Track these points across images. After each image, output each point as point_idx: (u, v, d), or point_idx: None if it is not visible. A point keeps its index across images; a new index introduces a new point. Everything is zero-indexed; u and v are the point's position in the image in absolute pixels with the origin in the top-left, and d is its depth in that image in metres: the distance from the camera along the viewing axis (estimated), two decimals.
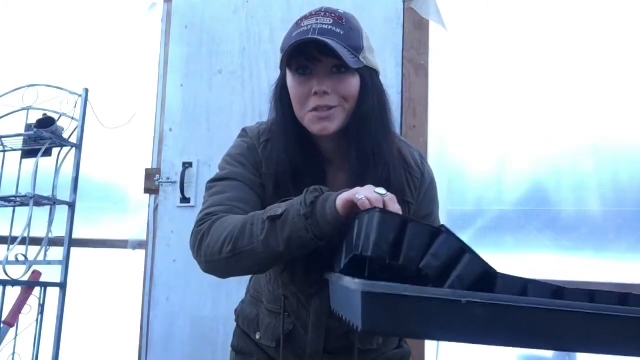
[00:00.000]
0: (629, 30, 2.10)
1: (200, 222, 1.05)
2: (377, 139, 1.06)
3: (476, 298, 0.67)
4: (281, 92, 1.09)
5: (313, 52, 1.01)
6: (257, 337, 1.19)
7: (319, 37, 0.98)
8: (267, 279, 1.19)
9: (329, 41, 0.98)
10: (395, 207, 0.85)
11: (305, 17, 1.05)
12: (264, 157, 1.12)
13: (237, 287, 2.27)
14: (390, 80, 2.23)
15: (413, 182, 1.14)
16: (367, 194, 0.85)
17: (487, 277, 0.71)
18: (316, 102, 1.02)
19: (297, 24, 1.05)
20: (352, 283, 0.71)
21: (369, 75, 1.07)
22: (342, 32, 1.01)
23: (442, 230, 0.74)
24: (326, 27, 1.01)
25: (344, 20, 1.04)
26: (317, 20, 1.03)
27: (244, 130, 1.19)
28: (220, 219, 1.02)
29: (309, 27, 1.02)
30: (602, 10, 2.12)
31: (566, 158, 2.12)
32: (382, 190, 0.86)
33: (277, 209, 0.94)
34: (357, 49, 1.03)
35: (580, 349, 0.71)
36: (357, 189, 0.87)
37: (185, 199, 2.40)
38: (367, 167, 1.05)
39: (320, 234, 0.90)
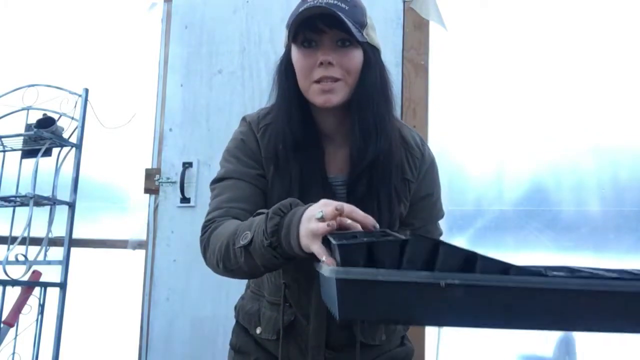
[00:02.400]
0: (629, 30, 2.10)
1: (202, 231, 1.09)
2: (379, 113, 1.08)
3: (455, 279, 0.65)
4: (286, 67, 1.11)
5: (319, 24, 1.02)
6: (258, 331, 1.18)
7: (327, 7, 1.00)
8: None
9: (335, 12, 1.00)
10: (358, 213, 0.84)
11: None
12: (262, 142, 1.14)
13: (237, 287, 2.26)
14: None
15: (413, 161, 1.16)
16: (318, 228, 0.82)
17: (467, 262, 0.69)
18: (321, 72, 1.04)
19: (303, 0, 1.07)
20: (327, 270, 0.69)
21: (372, 52, 1.09)
22: (347, 8, 1.03)
23: (410, 236, 0.72)
24: (332, 1, 1.03)
25: None
26: None
27: (243, 118, 1.21)
28: (216, 229, 1.06)
29: (315, 2, 1.03)
30: (602, 10, 2.13)
31: (566, 158, 2.12)
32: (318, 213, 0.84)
33: (247, 233, 0.95)
34: (361, 24, 1.05)
35: (564, 327, 0.70)
36: (311, 230, 0.83)
37: (185, 199, 2.40)
38: (369, 140, 1.07)
39: (292, 258, 0.92)
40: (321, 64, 1.04)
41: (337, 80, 1.05)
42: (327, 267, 0.70)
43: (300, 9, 1.04)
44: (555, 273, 0.75)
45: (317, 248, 0.82)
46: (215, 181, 1.15)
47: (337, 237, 0.78)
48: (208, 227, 1.08)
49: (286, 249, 0.89)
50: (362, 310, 0.67)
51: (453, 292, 0.65)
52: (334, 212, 0.82)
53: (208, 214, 1.11)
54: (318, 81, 1.05)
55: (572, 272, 0.78)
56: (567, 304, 0.66)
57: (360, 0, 1.10)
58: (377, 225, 0.84)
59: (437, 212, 1.23)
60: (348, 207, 0.84)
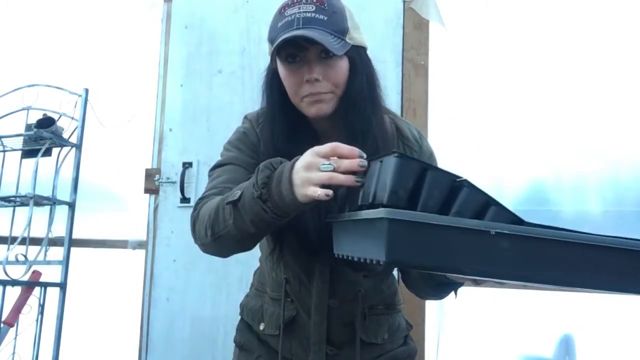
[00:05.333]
0: (629, 31, 2.10)
1: (194, 208, 1.09)
2: (366, 117, 1.09)
3: (505, 229, 0.66)
4: (271, 80, 1.13)
5: (300, 42, 1.03)
6: (261, 327, 1.19)
7: (304, 32, 1.00)
8: (269, 265, 1.20)
9: (313, 33, 1.00)
10: (343, 148, 0.85)
11: (288, 5, 1.07)
12: (262, 137, 1.16)
13: (237, 287, 2.28)
14: (390, 80, 2.23)
15: (410, 154, 1.17)
16: (317, 178, 0.83)
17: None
18: (309, 89, 1.05)
19: (281, 13, 1.07)
20: (374, 213, 0.69)
21: (357, 54, 1.09)
22: (325, 18, 1.03)
23: (463, 184, 0.73)
24: (309, 14, 1.03)
25: (325, 5, 1.05)
26: (299, 8, 1.04)
27: (244, 116, 1.25)
28: (207, 202, 1.05)
29: (293, 16, 1.04)
30: (601, 10, 2.13)
31: (566, 158, 2.12)
32: (327, 166, 0.84)
33: (237, 191, 0.95)
34: (342, 31, 1.05)
35: (612, 287, 0.70)
36: (307, 175, 0.85)
37: (185, 199, 2.40)
38: (355, 144, 1.07)
39: (282, 213, 0.91)
40: (307, 81, 1.05)
41: (326, 93, 1.06)
42: (373, 210, 0.70)
43: (279, 25, 1.05)
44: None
45: (313, 190, 0.83)
46: (214, 167, 1.17)
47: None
48: (199, 203, 1.08)
49: (276, 199, 0.89)
50: (410, 253, 0.67)
51: (501, 242, 0.66)
52: (330, 152, 0.84)
53: (203, 194, 1.11)
54: (307, 96, 1.06)
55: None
56: (618, 263, 0.68)
57: (340, 3, 1.09)
58: (364, 155, 0.84)
59: None
60: (333, 145, 0.85)
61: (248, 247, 1.06)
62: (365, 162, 0.83)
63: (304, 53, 1.05)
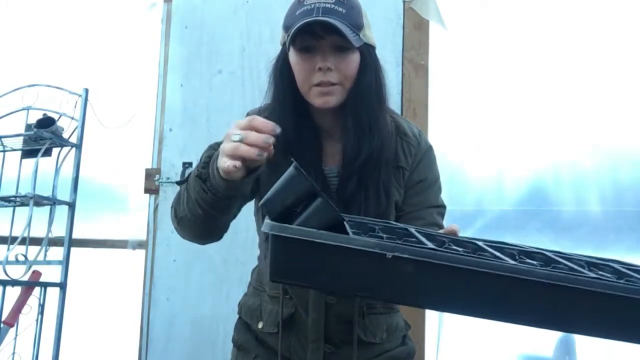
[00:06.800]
0: (629, 29, 2.10)
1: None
2: (373, 113, 1.11)
3: (405, 253, 0.58)
4: (281, 67, 1.13)
5: (317, 31, 1.04)
6: (260, 326, 1.19)
7: (324, 18, 1.02)
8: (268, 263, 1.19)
9: (334, 22, 1.01)
10: (258, 120, 0.82)
11: None
12: None
13: (237, 287, 2.27)
14: (390, 80, 2.21)
15: (408, 149, 1.18)
16: (229, 150, 0.81)
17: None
18: (320, 77, 1.06)
19: (300, 2, 1.08)
20: (265, 224, 0.62)
21: (368, 52, 1.12)
22: (344, 11, 1.05)
23: (345, 224, 0.67)
24: (329, 6, 1.04)
25: None
26: None
27: (247, 113, 1.24)
28: None
29: (312, 6, 1.05)
30: (601, 10, 2.13)
31: (566, 158, 2.12)
32: (236, 136, 0.81)
33: (191, 172, 0.97)
34: (358, 26, 1.07)
35: (523, 320, 0.62)
36: (223, 145, 0.83)
37: None
38: (363, 139, 1.09)
39: (218, 193, 0.90)
40: (320, 69, 1.06)
41: (335, 84, 1.07)
42: (267, 220, 0.64)
43: (297, 13, 1.05)
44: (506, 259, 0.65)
45: (223, 161, 0.81)
46: (205, 151, 1.18)
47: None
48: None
49: (211, 178, 0.90)
50: (295, 273, 0.60)
51: (401, 266, 0.58)
52: (246, 125, 0.82)
53: None
54: (317, 84, 1.07)
55: (547, 262, 0.71)
56: (512, 291, 0.60)
57: (357, 0, 1.11)
58: (278, 129, 0.82)
59: (431, 199, 1.22)
60: (250, 117, 0.84)
61: (209, 234, 1.05)
62: (271, 140, 0.81)
63: (319, 42, 1.06)
